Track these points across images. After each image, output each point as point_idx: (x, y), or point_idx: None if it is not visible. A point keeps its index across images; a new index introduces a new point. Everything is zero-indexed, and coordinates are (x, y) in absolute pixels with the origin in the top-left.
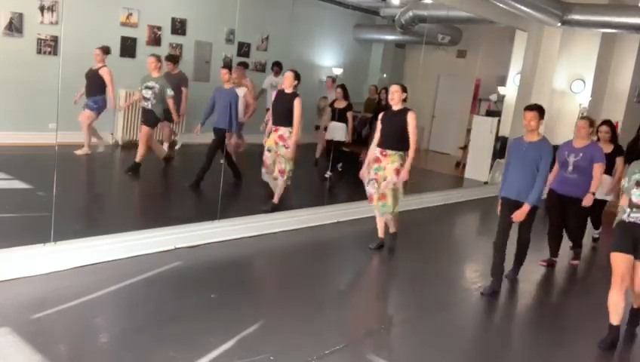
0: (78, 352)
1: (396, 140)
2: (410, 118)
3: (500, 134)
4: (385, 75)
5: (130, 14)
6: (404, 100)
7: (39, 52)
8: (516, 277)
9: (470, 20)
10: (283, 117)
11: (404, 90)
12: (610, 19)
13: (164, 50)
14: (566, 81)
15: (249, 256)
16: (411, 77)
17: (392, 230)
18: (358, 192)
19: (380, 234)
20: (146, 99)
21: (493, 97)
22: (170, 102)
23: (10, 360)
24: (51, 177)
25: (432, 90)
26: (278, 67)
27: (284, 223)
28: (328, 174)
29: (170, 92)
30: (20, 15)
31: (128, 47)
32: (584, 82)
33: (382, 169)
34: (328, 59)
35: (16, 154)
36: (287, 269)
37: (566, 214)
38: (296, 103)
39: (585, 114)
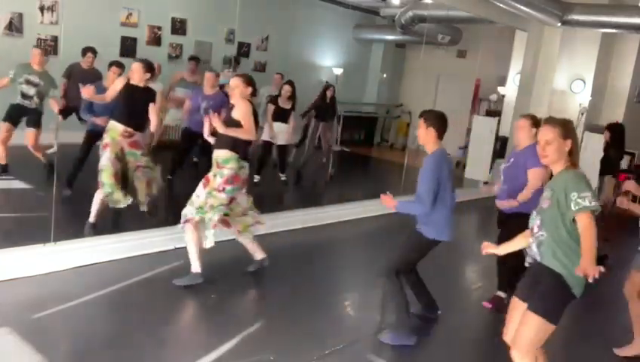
0: (78, 352)
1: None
2: (242, 108)
3: (500, 134)
4: (385, 75)
5: (130, 14)
6: (253, 95)
7: None
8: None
9: (470, 20)
10: (138, 117)
11: (248, 83)
12: (610, 19)
13: (164, 50)
14: (566, 81)
15: (249, 256)
16: (411, 77)
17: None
18: (357, 191)
19: (257, 254)
20: (26, 96)
21: (493, 97)
22: (54, 104)
23: (10, 360)
24: (51, 177)
25: (432, 90)
26: (194, 61)
27: (285, 223)
28: (257, 178)
29: (53, 92)
30: (20, 15)
31: (128, 47)
32: (584, 82)
33: None
34: (328, 59)
35: (16, 154)
36: (288, 269)
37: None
38: (157, 98)
39: (584, 114)
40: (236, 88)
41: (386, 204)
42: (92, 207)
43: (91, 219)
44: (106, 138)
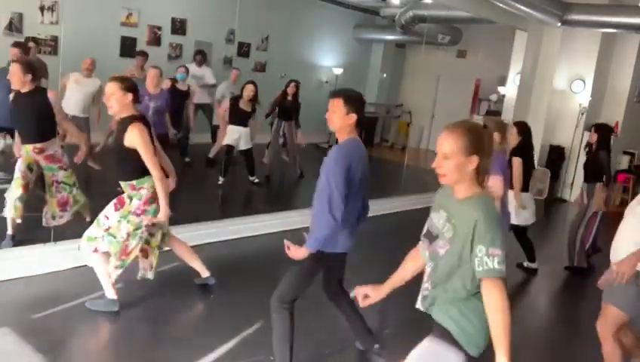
0: (78, 352)
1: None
2: (135, 136)
3: None
4: (385, 75)
5: (130, 14)
6: (135, 101)
7: (39, 52)
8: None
9: (470, 20)
10: (30, 127)
11: (128, 88)
12: (610, 19)
13: (164, 50)
14: (566, 81)
15: (249, 256)
16: (411, 77)
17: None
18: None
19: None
20: None
21: (493, 97)
22: None
23: (10, 360)
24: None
25: (432, 90)
26: (142, 56)
27: (285, 223)
28: (221, 180)
29: None
30: (20, 15)
31: (128, 47)
32: (584, 82)
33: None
34: (328, 59)
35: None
36: (287, 270)
37: None
38: (51, 101)
39: (584, 114)
40: (112, 96)
41: (297, 256)
42: (7, 219)
43: (9, 231)
44: (22, 150)
